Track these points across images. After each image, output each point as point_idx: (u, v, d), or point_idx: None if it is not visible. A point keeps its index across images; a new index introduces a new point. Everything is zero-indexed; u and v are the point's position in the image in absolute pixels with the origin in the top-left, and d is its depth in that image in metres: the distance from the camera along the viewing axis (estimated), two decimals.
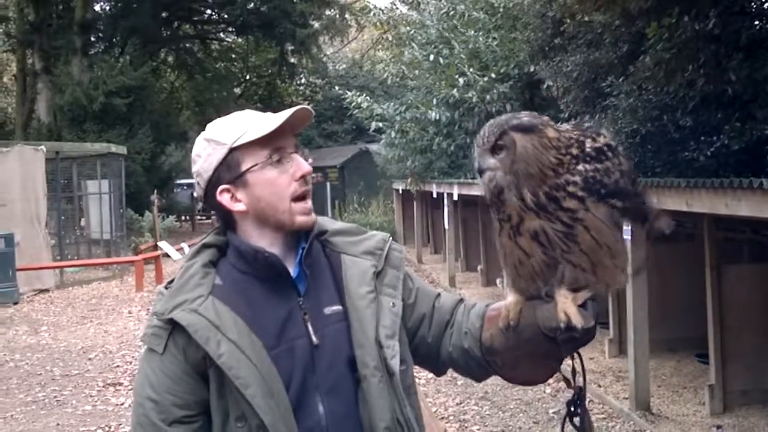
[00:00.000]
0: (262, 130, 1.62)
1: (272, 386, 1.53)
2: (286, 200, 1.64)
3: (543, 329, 1.48)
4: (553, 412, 6.47)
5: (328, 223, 1.79)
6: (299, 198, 1.66)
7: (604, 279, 1.44)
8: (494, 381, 7.33)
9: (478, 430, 6.27)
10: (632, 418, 6.17)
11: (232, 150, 1.64)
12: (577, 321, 1.42)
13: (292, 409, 1.56)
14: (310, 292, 1.67)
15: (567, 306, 1.43)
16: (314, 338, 1.61)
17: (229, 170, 1.64)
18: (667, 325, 7.45)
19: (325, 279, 1.70)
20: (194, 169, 1.70)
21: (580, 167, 1.38)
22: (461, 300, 1.81)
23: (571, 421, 1.58)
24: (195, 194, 1.77)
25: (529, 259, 1.45)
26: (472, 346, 1.68)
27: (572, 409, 1.57)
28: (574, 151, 1.40)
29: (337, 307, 1.66)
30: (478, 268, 13.33)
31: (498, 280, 12.04)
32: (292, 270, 1.67)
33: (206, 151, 1.67)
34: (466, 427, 6.33)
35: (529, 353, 1.58)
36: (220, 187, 1.65)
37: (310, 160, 1.72)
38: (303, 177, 1.67)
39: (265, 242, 1.66)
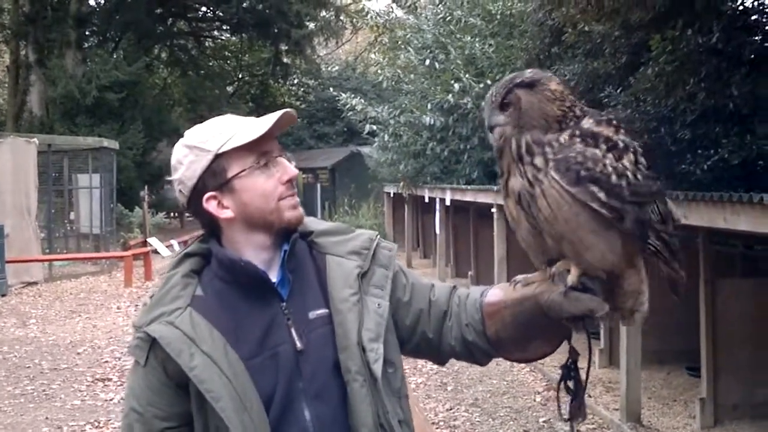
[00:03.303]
0: (248, 136, 1.60)
1: (246, 400, 1.52)
2: (274, 201, 1.63)
3: (552, 315, 1.55)
4: (543, 421, 6.48)
5: (314, 223, 1.77)
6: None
7: (575, 254, 1.48)
8: (484, 389, 7.43)
9: None
10: (623, 430, 6.16)
11: (217, 156, 1.61)
12: (599, 308, 1.50)
13: (278, 416, 1.56)
14: (294, 297, 1.65)
15: (577, 297, 1.51)
16: (298, 344, 1.60)
17: (214, 177, 1.62)
18: (657, 336, 7.43)
19: (310, 282, 1.69)
20: (176, 176, 1.67)
21: (565, 137, 1.46)
22: (454, 287, 1.81)
23: (566, 383, 1.65)
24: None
25: (517, 225, 1.53)
26: (477, 339, 1.70)
27: (567, 372, 1.66)
28: (578, 111, 1.49)
29: (323, 311, 1.65)
30: (469, 273, 13.33)
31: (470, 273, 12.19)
32: (276, 274, 1.66)
33: (188, 158, 1.64)
34: None
35: (538, 336, 1.66)
36: (206, 195, 1.63)
37: (294, 163, 1.72)
38: (290, 180, 1.66)
39: (252, 247, 1.65)
